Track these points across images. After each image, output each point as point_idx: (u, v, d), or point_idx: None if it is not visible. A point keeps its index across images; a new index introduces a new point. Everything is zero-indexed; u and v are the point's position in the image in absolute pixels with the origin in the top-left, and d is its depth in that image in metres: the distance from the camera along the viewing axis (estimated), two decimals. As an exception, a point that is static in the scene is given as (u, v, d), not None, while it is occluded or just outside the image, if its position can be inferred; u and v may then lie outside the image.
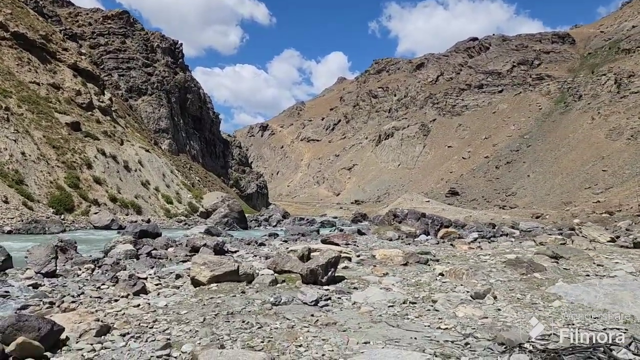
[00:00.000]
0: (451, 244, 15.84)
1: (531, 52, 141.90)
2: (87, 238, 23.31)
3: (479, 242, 16.20)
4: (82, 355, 4.27)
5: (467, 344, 4.88)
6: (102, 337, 4.81)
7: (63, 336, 4.55)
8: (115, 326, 5.14)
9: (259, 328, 5.11)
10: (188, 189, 53.51)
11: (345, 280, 8.03)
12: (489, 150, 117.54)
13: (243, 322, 5.29)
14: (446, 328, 5.42)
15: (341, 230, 35.52)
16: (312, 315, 5.73)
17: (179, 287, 7.94)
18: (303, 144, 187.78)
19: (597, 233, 13.38)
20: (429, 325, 5.53)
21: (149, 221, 36.03)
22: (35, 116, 40.24)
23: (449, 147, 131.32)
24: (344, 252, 11.64)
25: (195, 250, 14.66)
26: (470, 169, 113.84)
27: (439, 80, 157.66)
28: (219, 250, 14.68)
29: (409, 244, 17.36)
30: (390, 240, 19.69)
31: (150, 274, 9.76)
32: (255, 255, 13.11)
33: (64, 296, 6.91)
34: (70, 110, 46.64)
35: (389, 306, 6.36)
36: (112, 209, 38.15)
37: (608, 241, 12.92)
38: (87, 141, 43.27)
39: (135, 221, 34.94)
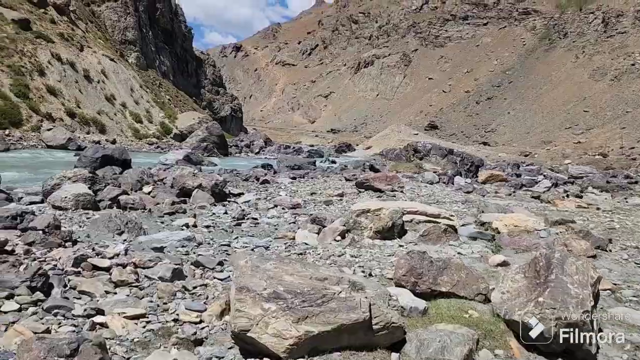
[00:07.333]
0: (535, 197, 14.24)
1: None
2: (33, 162, 19.25)
3: (563, 195, 14.79)
4: None
5: None
6: None
7: None
8: None
9: None
10: (160, 107, 47.95)
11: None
12: (470, 85, 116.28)
13: None
14: None
15: (333, 162, 31.22)
16: None
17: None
18: (278, 68, 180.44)
19: None
20: None
21: (114, 142, 32.01)
22: (-31, 7, 33.90)
23: (429, 79, 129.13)
24: (442, 218, 7.56)
25: (186, 194, 10.70)
26: (451, 102, 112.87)
27: (423, 9, 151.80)
28: (219, 192, 10.75)
29: (470, 191, 14.71)
30: (432, 183, 17.10)
31: (118, 254, 5.40)
32: (293, 213, 9.38)
33: None
34: (19, 5, 39.82)
35: None
36: (70, 125, 33.22)
37: None
38: (39, 43, 37.20)
39: (98, 141, 30.67)
